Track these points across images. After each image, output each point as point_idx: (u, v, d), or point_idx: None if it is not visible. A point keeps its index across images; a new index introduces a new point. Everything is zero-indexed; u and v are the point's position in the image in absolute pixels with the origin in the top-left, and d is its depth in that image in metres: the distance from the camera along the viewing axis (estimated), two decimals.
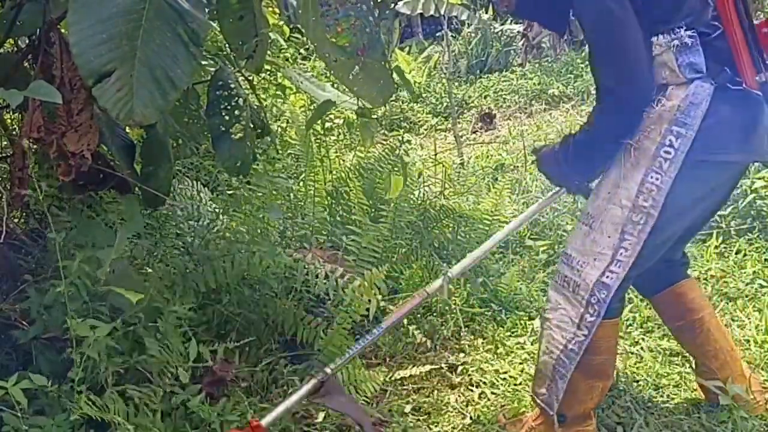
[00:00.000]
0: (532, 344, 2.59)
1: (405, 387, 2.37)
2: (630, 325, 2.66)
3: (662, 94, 1.74)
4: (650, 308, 2.32)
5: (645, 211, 1.77)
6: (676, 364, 2.35)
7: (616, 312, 1.92)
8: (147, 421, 1.86)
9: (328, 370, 1.90)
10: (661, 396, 2.21)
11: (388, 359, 2.56)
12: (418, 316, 2.80)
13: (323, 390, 1.88)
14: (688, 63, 1.72)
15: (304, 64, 6.83)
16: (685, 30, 1.70)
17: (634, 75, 1.72)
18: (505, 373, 2.42)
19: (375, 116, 6.30)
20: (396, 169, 3.25)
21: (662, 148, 1.74)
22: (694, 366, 2.17)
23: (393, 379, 2.39)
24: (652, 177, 1.76)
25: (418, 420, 2.19)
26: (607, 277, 1.81)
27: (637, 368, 2.36)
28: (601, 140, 1.83)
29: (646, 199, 1.76)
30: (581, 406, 1.94)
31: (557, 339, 1.90)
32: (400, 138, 3.54)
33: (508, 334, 2.71)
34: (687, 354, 2.34)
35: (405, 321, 2.71)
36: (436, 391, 2.34)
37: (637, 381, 2.28)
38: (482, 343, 2.65)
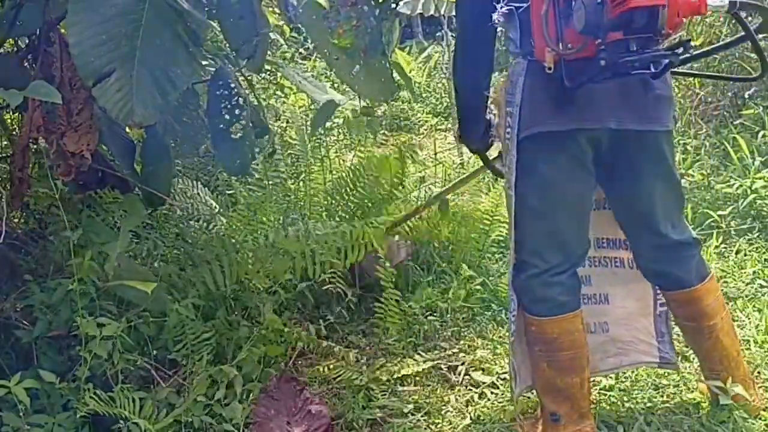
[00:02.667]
0: None
1: (405, 387, 2.37)
2: None
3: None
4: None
5: (508, 193, 1.85)
6: None
7: (565, 308, 1.90)
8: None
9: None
10: (661, 396, 2.21)
11: (388, 359, 2.56)
12: (419, 316, 2.80)
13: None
14: (509, 38, 1.77)
15: (304, 64, 6.83)
16: (505, 4, 1.73)
17: (462, 52, 1.86)
18: (505, 373, 2.41)
19: (376, 114, 6.31)
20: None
21: (506, 130, 1.81)
22: (699, 366, 2.16)
23: (393, 378, 2.38)
24: (507, 159, 1.84)
25: (418, 420, 2.19)
26: (515, 267, 1.91)
27: (638, 368, 2.35)
28: (459, 99, 1.96)
29: (507, 181, 1.85)
30: (568, 402, 1.94)
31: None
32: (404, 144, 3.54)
33: (508, 334, 2.71)
34: (687, 354, 2.34)
35: (406, 321, 2.72)
36: (436, 391, 2.34)
37: (638, 381, 2.28)
38: (482, 343, 2.65)
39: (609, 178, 1.89)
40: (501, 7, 1.74)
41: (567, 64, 1.64)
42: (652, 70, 1.62)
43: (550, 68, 1.64)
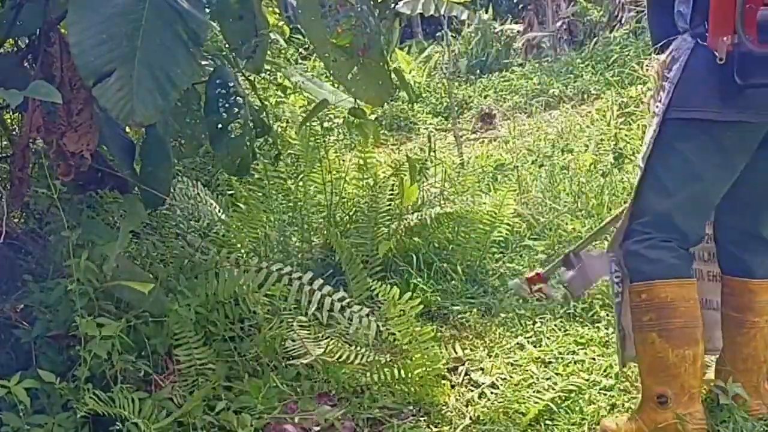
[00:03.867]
0: (531, 344, 2.59)
1: (405, 387, 2.36)
2: None
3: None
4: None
5: (640, 165, 1.83)
6: None
7: (679, 271, 1.86)
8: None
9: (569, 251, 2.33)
10: None
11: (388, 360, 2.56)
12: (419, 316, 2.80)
13: (565, 262, 2.33)
14: (679, 12, 1.72)
15: (304, 64, 6.83)
16: None
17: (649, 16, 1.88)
18: (505, 373, 2.41)
19: (375, 116, 6.31)
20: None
21: (655, 103, 1.77)
22: (717, 361, 2.12)
23: (393, 378, 2.38)
24: (649, 132, 1.80)
25: (418, 420, 2.19)
26: (626, 235, 1.90)
27: (638, 368, 2.35)
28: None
29: (643, 152, 1.81)
30: (678, 381, 1.86)
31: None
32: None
33: (508, 334, 2.71)
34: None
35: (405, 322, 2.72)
36: (436, 391, 2.34)
37: (638, 381, 2.28)
38: (482, 343, 2.65)
39: (752, 159, 1.84)
40: None
41: (742, 57, 1.60)
42: None
43: (721, 59, 1.62)
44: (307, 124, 3.23)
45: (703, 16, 1.66)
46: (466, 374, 2.44)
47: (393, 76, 2.24)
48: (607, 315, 2.73)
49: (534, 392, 2.24)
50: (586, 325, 2.69)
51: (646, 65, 1.89)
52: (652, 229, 1.88)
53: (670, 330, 1.85)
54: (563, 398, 2.19)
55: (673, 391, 1.87)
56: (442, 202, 3.47)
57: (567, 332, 2.65)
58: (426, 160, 4.21)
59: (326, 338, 2.58)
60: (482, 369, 2.46)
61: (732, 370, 2.03)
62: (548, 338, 2.62)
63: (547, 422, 2.09)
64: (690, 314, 1.86)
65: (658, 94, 1.78)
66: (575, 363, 2.41)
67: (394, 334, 2.40)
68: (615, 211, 2.32)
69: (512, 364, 2.47)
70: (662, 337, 1.86)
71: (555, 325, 2.71)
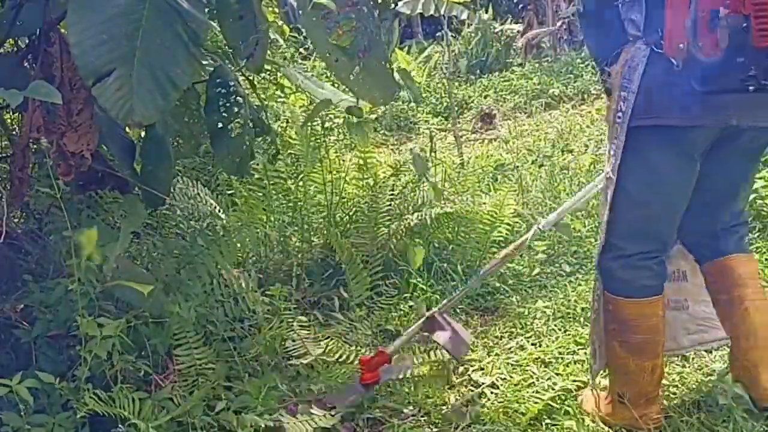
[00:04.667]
0: (531, 344, 2.59)
1: (405, 387, 2.36)
2: None
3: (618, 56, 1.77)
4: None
5: (609, 178, 1.84)
6: (676, 364, 2.35)
7: (647, 291, 1.91)
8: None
9: (433, 311, 2.36)
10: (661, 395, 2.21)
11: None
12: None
13: (429, 327, 2.35)
14: (630, 19, 1.73)
15: (304, 64, 6.83)
16: None
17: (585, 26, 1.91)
18: (505, 373, 2.41)
19: (374, 116, 6.31)
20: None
21: (616, 114, 1.78)
22: (729, 354, 2.12)
23: (393, 378, 2.38)
24: (612, 144, 1.82)
25: (418, 420, 2.19)
26: (603, 247, 1.92)
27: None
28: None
29: (611, 166, 1.83)
30: (637, 387, 1.94)
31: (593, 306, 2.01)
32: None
33: (508, 334, 2.72)
34: (687, 354, 2.34)
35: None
36: (436, 391, 2.34)
37: None
38: (482, 343, 2.65)
39: (707, 157, 1.87)
40: None
41: (698, 66, 1.61)
42: None
43: (678, 66, 1.63)
44: (308, 123, 3.23)
45: (657, 23, 1.67)
46: (466, 374, 2.44)
47: (397, 75, 2.24)
48: None
49: (534, 392, 2.24)
50: (586, 325, 2.69)
51: (599, 79, 1.90)
52: (628, 243, 1.90)
53: (631, 344, 1.93)
54: (563, 398, 2.19)
55: (631, 394, 1.96)
56: (442, 202, 3.47)
57: (567, 332, 2.65)
58: (427, 160, 4.20)
59: (326, 338, 2.58)
60: (482, 369, 2.46)
61: (751, 358, 2.00)
62: (548, 338, 2.62)
63: (547, 422, 2.09)
64: (652, 329, 1.93)
65: (617, 104, 1.78)
66: (575, 363, 2.41)
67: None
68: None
69: (512, 364, 2.47)
70: (623, 348, 1.94)
71: (555, 325, 2.71)
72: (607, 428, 2.05)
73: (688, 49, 1.61)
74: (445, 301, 2.47)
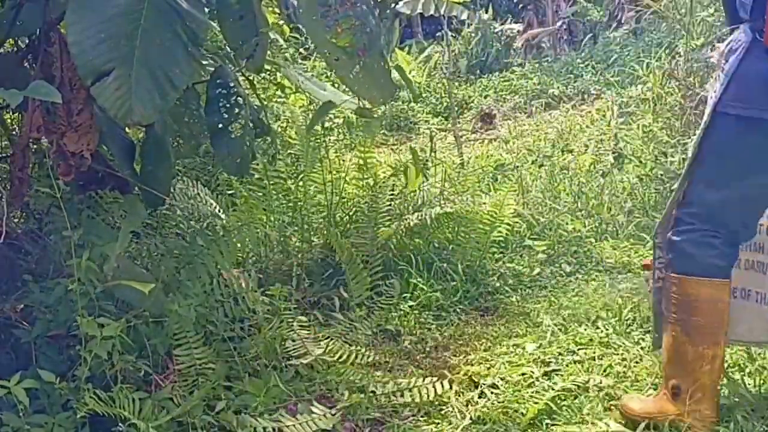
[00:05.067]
0: (531, 344, 2.59)
1: (405, 387, 2.36)
2: (630, 325, 2.65)
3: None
4: (650, 309, 2.31)
5: (691, 154, 1.79)
6: None
7: (712, 271, 1.85)
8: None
9: None
10: None
11: (388, 360, 2.56)
12: (420, 317, 2.80)
13: None
14: (741, 1, 1.67)
15: (304, 64, 6.83)
16: None
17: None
18: (505, 373, 2.41)
19: (375, 116, 6.31)
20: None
21: (710, 93, 1.74)
22: None
23: (393, 378, 2.38)
24: (702, 121, 1.78)
25: (418, 420, 2.19)
26: (673, 222, 1.87)
27: (638, 368, 2.36)
28: None
29: (695, 140, 1.78)
30: (693, 377, 1.87)
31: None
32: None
33: (508, 334, 2.71)
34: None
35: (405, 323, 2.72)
36: (436, 391, 2.33)
37: (638, 381, 2.28)
38: (482, 343, 2.65)
39: None
40: None
41: None
42: None
43: None
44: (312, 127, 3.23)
45: (763, 11, 1.62)
46: (466, 374, 2.44)
47: (394, 74, 2.24)
48: (607, 315, 2.74)
49: (534, 392, 2.24)
50: (586, 325, 2.69)
51: (710, 51, 1.87)
52: (698, 221, 1.85)
53: (692, 327, 1.85)
54: (563, 398, 2.19)
55: (687, 385, 1.88)
56: (442, 202, 3.47)
57: (567, 332, 2.65)
58: (426, 160, 4.21)
59: (326, 338, 2.58)
60: (482, 369, 2.45)
61: None
62: (548, 338, 2.62)
63: (547, 422, 2.09)
64: (715, 315, 1.86)
65: (714, 83, 1.74)
66: (575, 363, 2.41)
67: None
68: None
69: (512, 364, 2.47)
70: (684, 332, 1.86)
71: (555, 325, 2.71)
72: (607, 428, 2.05)
73: None
74: None
